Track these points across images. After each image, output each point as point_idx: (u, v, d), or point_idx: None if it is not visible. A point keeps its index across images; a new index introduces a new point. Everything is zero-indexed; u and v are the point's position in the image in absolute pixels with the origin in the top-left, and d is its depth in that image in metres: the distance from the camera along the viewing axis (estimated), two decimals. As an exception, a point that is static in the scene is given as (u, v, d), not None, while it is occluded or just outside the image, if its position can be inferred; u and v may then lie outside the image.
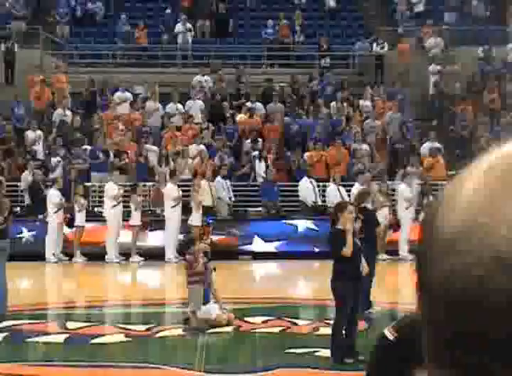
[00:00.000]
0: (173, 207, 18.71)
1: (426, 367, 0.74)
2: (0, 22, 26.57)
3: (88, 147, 21.11)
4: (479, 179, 0.73)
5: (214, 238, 17.58)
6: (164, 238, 18.86)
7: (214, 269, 11.24)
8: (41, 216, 19.06)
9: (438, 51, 25.95)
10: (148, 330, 11.06)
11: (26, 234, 18.92)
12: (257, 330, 11.00)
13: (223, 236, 18.92)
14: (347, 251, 8.98)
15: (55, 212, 18.60)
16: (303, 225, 19.49)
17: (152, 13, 28.27)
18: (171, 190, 18.89)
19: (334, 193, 19.29)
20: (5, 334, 10.77)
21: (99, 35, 27.37)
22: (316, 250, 18.19)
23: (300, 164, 21.13)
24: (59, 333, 10.93)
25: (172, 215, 18.70)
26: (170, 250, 18.59)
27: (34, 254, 17.92)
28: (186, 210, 18.93)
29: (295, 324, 11.38)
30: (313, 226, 19.26)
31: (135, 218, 18.88)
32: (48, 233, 18.58)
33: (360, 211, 11.04)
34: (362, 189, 15.10)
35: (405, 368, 6.62)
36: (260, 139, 21.89)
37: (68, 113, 22.68)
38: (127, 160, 20.66)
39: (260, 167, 21.01)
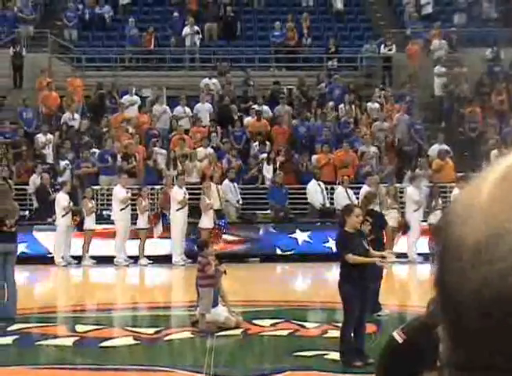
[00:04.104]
0: (178, 210, 18.73)
1: (450, 373, 0.75)
2: (8, 26, 26.67)
3: (97, 151, 21.16)
4: (496, 187, 0.73)
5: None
6: (171, 241, 18.87)
7: (225, 272, 11.24)
8: (49, 219, 19.10)
9: (443, 53, 25.92)
10: (157, 333, 11.06)
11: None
12: (265, 333, 10.99)
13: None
14: (354, 259, 8.95)
15: (64, 216, 18.64)
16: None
17: (159, 17, 28.33)
18: (176, 193, 18.92)
19: (342, 196, 19.27)
20: (14, 337, 10.79)
21: (107, 39, 27.44)
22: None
23: (308, 166, 21.12)
24: (68, 336, 10.94)
25: (177, 218, 18.71)
26: (177, 253, 18.60)
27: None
28: (195, 213, 18.97)
29: (304, 327, 11.36)
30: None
31: (142, 222, 18.91)
32: (57, 237, 18.62)
33: (368, 213, 11.03)
34: (367, 191, 15.04)
35: (413, 371, 6.60)
36: (268, 142, 21.90)
37: (76, 116, 22.74)
38: (134, 164, 20.70)
39: (268, 170, 21.01)
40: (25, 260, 15.95)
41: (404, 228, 18.94)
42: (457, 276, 0.72)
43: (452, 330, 0.74)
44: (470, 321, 0.71)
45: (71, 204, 18.78)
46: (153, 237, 19.03)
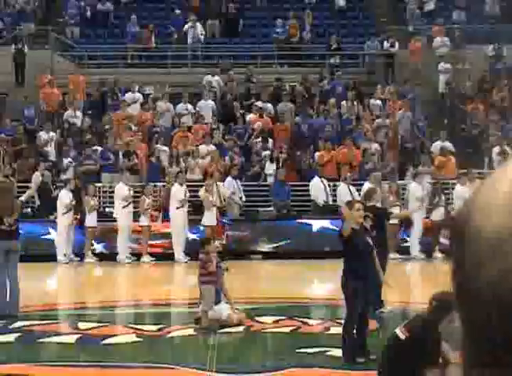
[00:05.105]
0: (178, 208, 18.72)
1: (463, 367, 0.74)
2: (10, 23, 26.67)
3: (99, 148, 21.16)
4: None
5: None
6: (172, 239, 18.87)
7: (227, 269, 11.22)
8: (51, 217, 19.11)
9: (446, 50, 25.91)
10: (159, 330, 11.06)
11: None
12: (268, 330, 10.99)
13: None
14: (345, 231, 9.05)
15: (65, 213, 18.64)
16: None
17: (161, 14, 28.31)
18: (176, 191, 18.90)
19: (345, 193, 19.25)
20: (17, 334, 10.79)
21: (108, 36, 27.43)
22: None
23: (310, 163, 21.11)
24: (70, 333, 10.94)
25: (177, 215, 18.70)
26: (178, 250, 18.60)
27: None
28: (198, 210, 18.96)
29: (306, 324, 11.36)
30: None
31: (145, 219, 18.91)
32: (59, 234, 18.63)
33: (369, 209, 10.99)
34: (368, 187, 15.00)
35: (416, 367, 6.59)
36: (270, 139, 21.89)
37: (78, 114, 22.74)
38: (136, 161, 20.70)
39: (270, 167, 21.00)
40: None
41: (407, 223, 18.91)
42: (475, 269, 0.72)
43: (467, 322, 0.73)
44: (489, 317, 0.70)
45: (73, 201, 18.78)
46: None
